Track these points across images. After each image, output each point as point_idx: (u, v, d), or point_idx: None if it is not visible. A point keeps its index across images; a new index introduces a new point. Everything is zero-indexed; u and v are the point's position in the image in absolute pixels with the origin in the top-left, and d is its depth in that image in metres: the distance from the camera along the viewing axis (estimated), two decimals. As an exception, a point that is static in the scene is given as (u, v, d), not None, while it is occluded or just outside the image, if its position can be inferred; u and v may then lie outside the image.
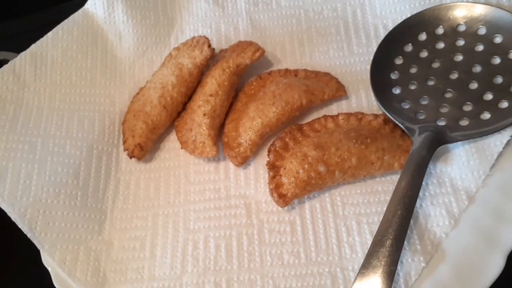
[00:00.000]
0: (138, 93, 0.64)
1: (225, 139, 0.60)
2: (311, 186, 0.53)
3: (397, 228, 0.46)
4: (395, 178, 0.53)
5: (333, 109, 0.62)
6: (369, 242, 0.47)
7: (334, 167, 0.53)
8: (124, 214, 0.57)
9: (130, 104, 0.64)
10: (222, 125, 0.62)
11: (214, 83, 0.60)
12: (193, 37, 0.65)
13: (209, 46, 0.63)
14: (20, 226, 0.51)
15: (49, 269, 0.51)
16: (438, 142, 0.52)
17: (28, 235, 0.51)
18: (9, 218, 0.52)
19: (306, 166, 0.53)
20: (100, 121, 0.63)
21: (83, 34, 0.67)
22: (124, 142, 0.61)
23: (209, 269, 0.52)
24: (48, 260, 0.51)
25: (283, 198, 0.53)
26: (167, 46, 0.69)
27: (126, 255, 0.54)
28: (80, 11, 0.68)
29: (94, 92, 0.64)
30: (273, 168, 0.56)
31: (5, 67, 0.62)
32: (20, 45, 0.82)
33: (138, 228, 0.56)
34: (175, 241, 0.54)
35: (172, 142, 0.63)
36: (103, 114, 0.63)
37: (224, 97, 0.60)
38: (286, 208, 0.55)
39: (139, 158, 0.59)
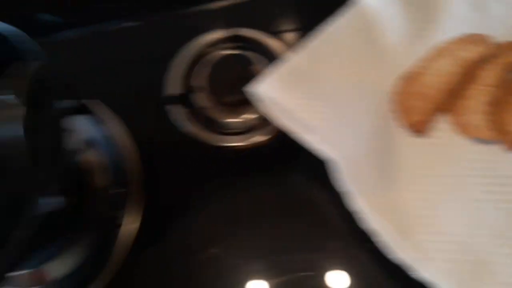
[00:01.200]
0: (413, 78, 0.73)
1: (498, 125, 0.66)
2: None
3: None
4: None
5: None
6: None
7: None
8: (412, 179, 0.66)
9: (405, 87, 0.73)
10: (495, 114, 0.68)
11: (490, 75, 0.68)
12: (470, 34, 0.73)
13: (485, 43, 0.70)
14: (332, 177, 0.63)
15: (356, 212, 0.61)
16: None
17: (336, 184, 0.63)
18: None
19: None
20: (379, 100, 0.73)
21: (358, 23, 0.77)
22: (405, 118, 0.70)
23: (502, 237, 0.59)
24: (354, 205, 0.61)
25: None
26: (428, 40, 0.77)
27: (419, 212, 0.62)
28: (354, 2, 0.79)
29: (371, 74, 0.74)
30: None
31: (303, 46, 0.73)
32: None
33: (426, 192, 0.64)
34: (464, 206, 0.62)
35: (444, 123, 0.70)
36: (381, 94, 0.73)
37: (499, 89, 0.68)
38: None
39: (420, 133, 0.69)
